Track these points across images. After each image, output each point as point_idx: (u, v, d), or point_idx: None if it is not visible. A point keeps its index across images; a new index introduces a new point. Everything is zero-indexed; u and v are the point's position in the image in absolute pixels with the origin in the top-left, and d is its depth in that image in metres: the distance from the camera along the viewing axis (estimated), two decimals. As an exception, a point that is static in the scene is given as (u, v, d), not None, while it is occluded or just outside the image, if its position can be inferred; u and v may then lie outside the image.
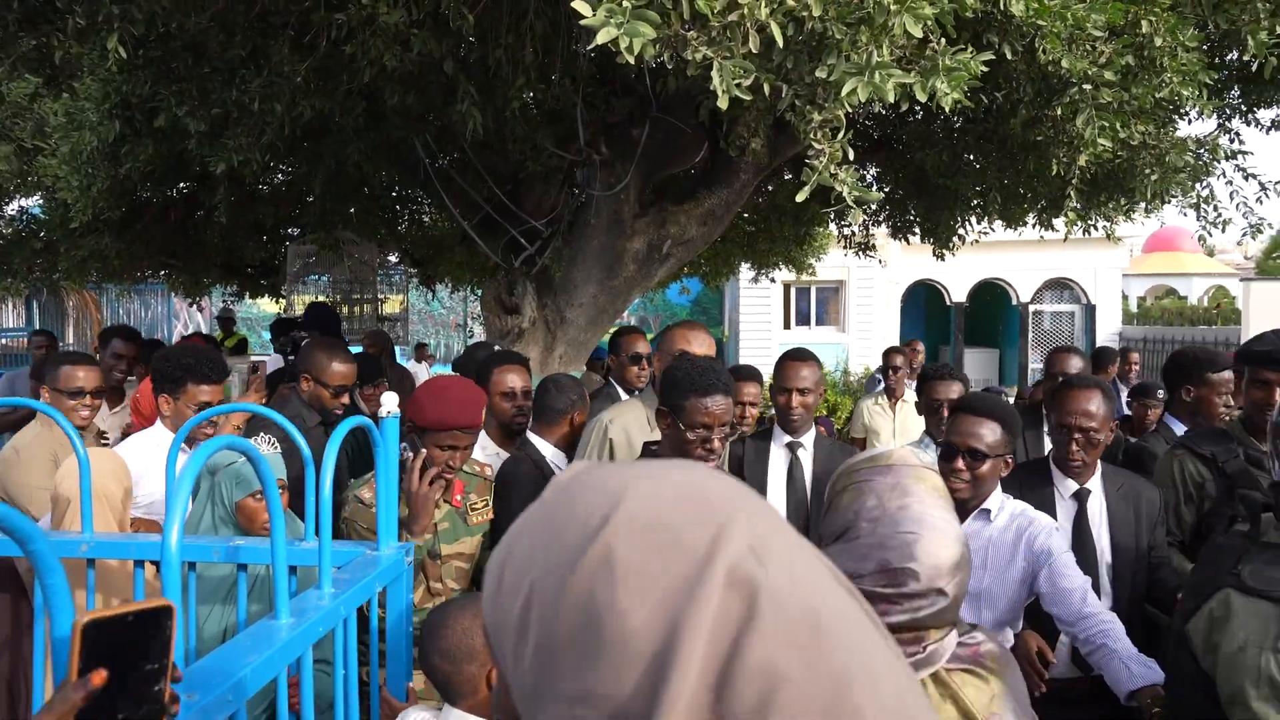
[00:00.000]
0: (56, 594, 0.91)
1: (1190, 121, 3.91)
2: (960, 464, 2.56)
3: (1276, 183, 4.59)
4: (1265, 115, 4.94)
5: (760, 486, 3.32)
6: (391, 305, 8.96)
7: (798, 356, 3.43)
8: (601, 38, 1.64)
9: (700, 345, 3.12)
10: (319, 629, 1.63)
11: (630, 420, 2.98)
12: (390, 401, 2.29)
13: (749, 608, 0.50)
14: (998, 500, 2.64)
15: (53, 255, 7.10)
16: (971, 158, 5.36)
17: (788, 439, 3.35)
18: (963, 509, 2.60)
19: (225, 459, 2.41)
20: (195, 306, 16.60)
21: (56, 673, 1.02)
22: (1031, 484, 2.89)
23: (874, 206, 6.97)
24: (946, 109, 1.99)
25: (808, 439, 3.38)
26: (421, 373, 11.23)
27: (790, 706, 0.48)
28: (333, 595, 1.72)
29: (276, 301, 9.68)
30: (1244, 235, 4.74)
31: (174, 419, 3.11)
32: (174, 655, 1.05)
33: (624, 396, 3.99)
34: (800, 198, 1.94)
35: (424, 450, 2.57)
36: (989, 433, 2.57)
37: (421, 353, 13.92)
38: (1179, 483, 3.13)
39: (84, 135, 3.89)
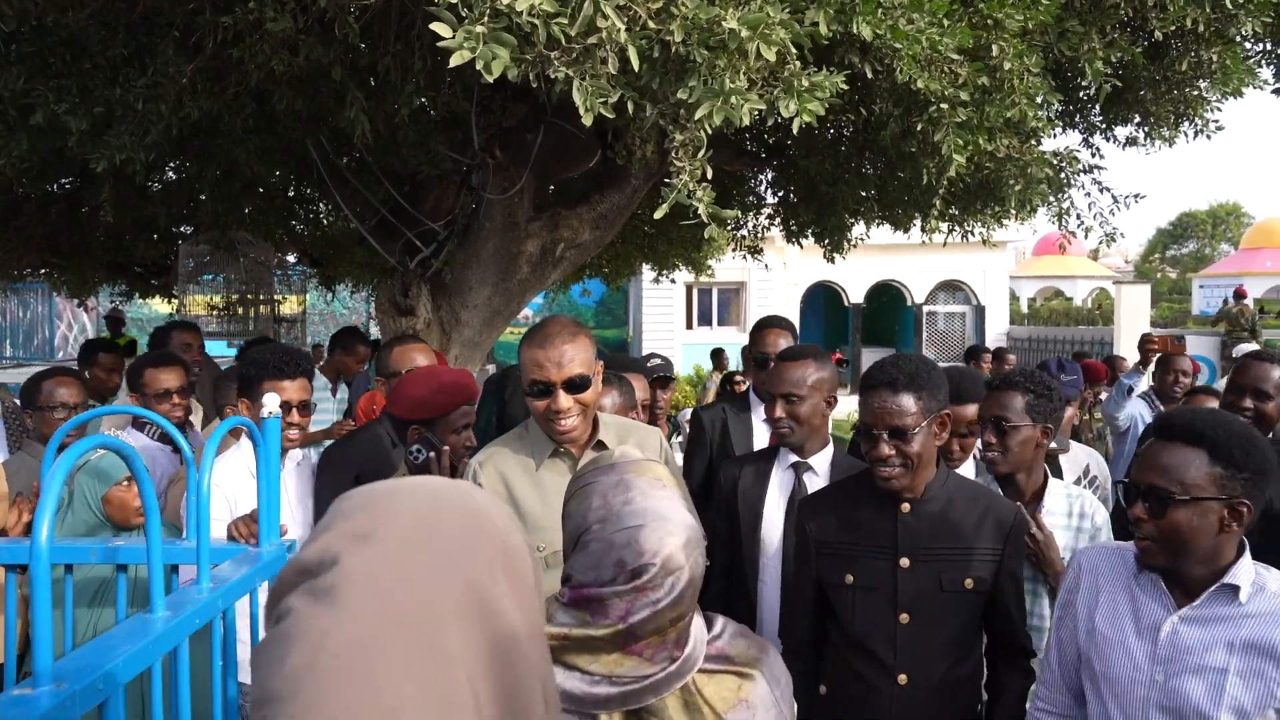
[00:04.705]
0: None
1: (1039, 141, 4.20)
2: (1139, 510, 1.69)
3: (1127, 196, 4.96)
4: (1122, 132, 5.33)
5: (754, 519, 2.68)
6: (290, 306, 8.80)
7: (790, 355, 2.71)
8: (455, 60, 1.73)
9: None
10: (195, 621, 1.68)
11: (508, 464, 2.25)
12: (272, 402, 2.34)
13: None
14: (1248, 572, 1.67)
15: (-84, 253, 6.76)
16: (854, 166, 5.61)
17: (793, 459, 2.69)
18: (1185, 583, 1.72)
19: (79, 460, 2.41)
20: (81, 307, 15.93)
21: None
22: None
23: (744, 221, 7.22)
24: (795, 131, 2.14)
25: (820, 460, 2.69)
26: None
27: None
28: (210, 590, 1.77)
29: (169, 301, 9.40)
30: (1099, 244, 5.09)
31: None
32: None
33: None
34: (658, 215, 2.07)
35: (445, 447, 2.46)
36: (1193, 464, 1.64)
37: (316, 354, 13.75)
38: None
39: (-46, 132, 3.77)
